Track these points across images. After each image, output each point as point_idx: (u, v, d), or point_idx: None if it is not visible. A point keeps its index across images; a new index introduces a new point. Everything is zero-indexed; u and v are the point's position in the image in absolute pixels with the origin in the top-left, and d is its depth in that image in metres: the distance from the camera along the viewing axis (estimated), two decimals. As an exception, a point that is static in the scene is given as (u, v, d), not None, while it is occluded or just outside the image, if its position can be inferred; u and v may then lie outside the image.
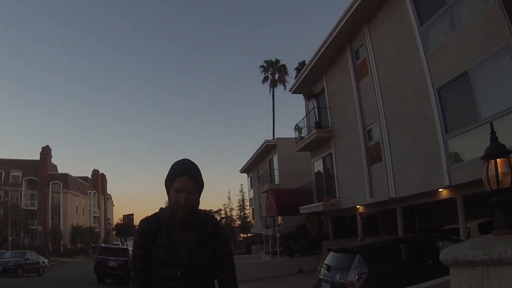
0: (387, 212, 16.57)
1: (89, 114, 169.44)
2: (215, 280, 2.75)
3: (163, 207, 2.74)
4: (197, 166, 2.66)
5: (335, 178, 20.33)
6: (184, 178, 2.52)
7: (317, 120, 21.59)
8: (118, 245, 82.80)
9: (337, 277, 8.16)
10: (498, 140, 3.00)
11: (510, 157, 2.79)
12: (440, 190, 12.66)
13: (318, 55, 20.31)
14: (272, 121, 66.62)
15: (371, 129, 16.77)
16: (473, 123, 10.88)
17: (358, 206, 18.30)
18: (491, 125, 3.29)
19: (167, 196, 2.66)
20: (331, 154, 21.03)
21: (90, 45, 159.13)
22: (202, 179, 2.67)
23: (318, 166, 23.48)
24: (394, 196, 14.42)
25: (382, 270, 8.01)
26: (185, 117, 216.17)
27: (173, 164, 2.68)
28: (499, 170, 2.70)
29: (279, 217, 31.31)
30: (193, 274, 2.56)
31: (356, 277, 7.56)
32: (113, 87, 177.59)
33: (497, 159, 2.71)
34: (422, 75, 12.96)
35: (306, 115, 24.00)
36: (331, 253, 9.30)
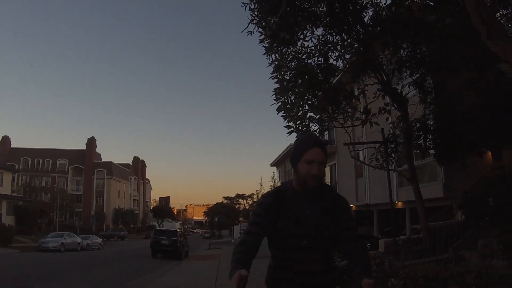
0: (370, 212, 23.66)
1: (130, 106, 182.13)
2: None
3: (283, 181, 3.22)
4: None
5: (336, 183, 27.52)
6: (316, 149, 2.59)
7: (326, 139, 28.72)
8: (154, 226, 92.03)
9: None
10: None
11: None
12: (396, 202, 19.55)
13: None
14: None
15: (358, 152, 23.73)
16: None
17: (351, 205, 25.28)
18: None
19: (293, 170, 2.72)
20: (334, 164, 28.13)
21: (127, 34, 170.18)
22: None
23: (326, 171, 30.57)
24: (369, 203, 21.40)
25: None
26: (224, 105, 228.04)
27: (300, 139, 2.82)
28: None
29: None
30: (319, 244, 2.64)
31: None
32: (152, 77, 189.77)
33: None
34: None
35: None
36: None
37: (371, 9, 10.76)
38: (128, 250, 40.30)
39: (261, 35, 9.67)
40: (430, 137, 10.59)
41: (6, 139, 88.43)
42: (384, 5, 10.67)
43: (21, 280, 14.47)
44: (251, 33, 9.74)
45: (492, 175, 7.14)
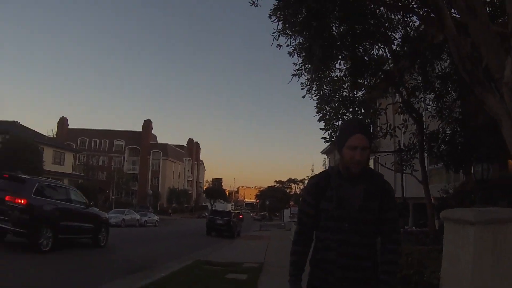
0: (406, 204, 26.06)
1: (186, 89, 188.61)
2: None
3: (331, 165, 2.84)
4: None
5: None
6: (359, 135, 2.61)
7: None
8: (207, 206, 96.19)
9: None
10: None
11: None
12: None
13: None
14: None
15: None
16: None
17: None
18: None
19: (339, 154, 2.75)
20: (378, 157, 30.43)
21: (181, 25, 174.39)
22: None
23: (371, 163, 32.85)
24: (405, 196, 23.84)
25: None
26: (280, 91, 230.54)
27: (345, 123, 3.01)
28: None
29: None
30: (360, 228, 2.64)
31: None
32: (207, 64, 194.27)
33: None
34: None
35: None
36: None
37: (400, 29, 12.45)
38: (183, 229, 42.77)
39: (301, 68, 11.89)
40: (443, 147, 12.82)
41: (64, 120, 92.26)
42: (412, 26, 12.40)
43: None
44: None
45: (462, 190, 9.45)
